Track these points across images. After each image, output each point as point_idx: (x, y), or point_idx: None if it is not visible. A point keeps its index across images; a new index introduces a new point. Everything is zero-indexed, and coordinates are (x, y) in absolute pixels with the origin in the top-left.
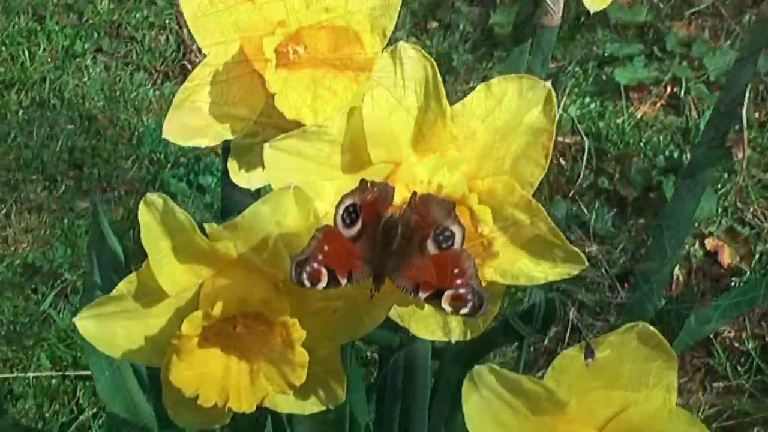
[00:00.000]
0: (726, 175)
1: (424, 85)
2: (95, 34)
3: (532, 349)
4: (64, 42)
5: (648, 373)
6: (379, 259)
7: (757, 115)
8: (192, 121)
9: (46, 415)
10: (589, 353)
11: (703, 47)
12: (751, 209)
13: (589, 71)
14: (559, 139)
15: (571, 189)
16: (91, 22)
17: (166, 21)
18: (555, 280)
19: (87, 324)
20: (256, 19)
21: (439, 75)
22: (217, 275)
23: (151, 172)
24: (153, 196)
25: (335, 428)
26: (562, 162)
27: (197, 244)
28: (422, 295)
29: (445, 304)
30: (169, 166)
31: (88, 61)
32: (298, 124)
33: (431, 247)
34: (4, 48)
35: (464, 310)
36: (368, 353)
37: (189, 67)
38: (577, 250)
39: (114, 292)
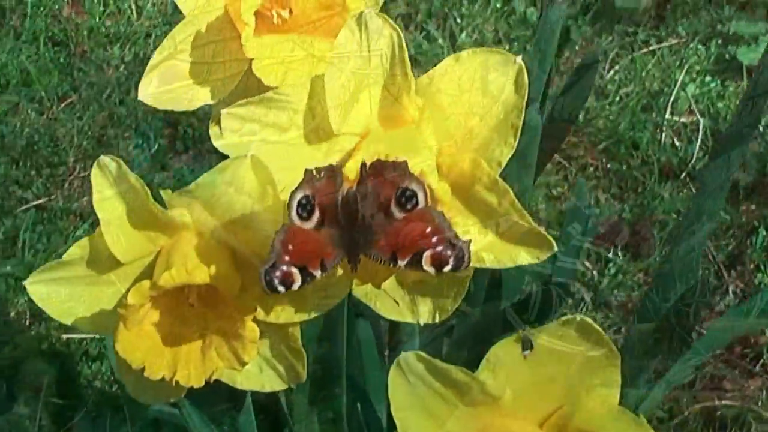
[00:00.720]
0: None
1: (390, 55)
2: None
3: None
4: None
5: (589, 368)
6: (349, 239)
7: None
8: (170, 84)
9: None
10: (527, 344)
11: None
12: None
13: (712, 49)
14: (675, 117)
15: (683, 170)
16: None
17: None
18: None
19: (37, 288)
20: None
21: (405, 45)
22: (174, 244)
23: None
24: (107, 159)
25: (335, 426)
26: (676, 142)
27: (151, 210)
28: (401, 262)
29: (427, 266)
30: None
31: None
32: None
33: (396, 211)
34: (111, 1)
35: (448, 268)
36: None
37: None
38: (545, 233)
39: (65, 257)
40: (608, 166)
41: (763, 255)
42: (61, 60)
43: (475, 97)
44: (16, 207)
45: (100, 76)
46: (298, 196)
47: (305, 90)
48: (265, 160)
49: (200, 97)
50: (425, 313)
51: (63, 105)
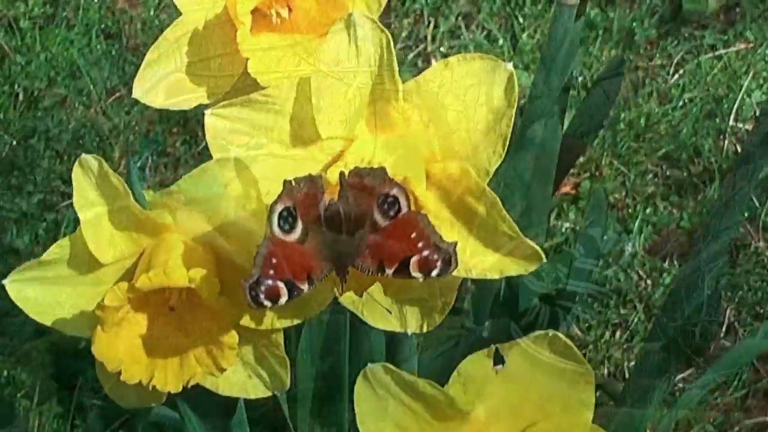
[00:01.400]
0: None
1: (378, 59)
2: None
3: None
4: None
5: (562, 385)
6: (335, 251)
7: None
8: (165, 82)
9: None
10: (498, 359)
11: None
12: None
13: None
14: (738, 124)
15: None
16: None
17: None
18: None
19: (16, 287)
20: None
21: (393, 49)
22: (156, 246)
23: None
24: (88, 158)
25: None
26: (739, 149)
27: (132, 211)
28: (389, 271)
29: (414, 272)
30: None
31: None
32: None
33: (380, 218)
34: None
35: (435, 272)
36: None
37: None
38: (533, 244)
39: (45, 256)
40: (668, 172)
41: None
42: (113, 53)
43: (464, 103)
44: (59, 202)
45: None
46: (279, 208)
47: (292, 92)
48: (248, 164)
49: (196, 96)
50: (413, 322)
51: (111, 99)
